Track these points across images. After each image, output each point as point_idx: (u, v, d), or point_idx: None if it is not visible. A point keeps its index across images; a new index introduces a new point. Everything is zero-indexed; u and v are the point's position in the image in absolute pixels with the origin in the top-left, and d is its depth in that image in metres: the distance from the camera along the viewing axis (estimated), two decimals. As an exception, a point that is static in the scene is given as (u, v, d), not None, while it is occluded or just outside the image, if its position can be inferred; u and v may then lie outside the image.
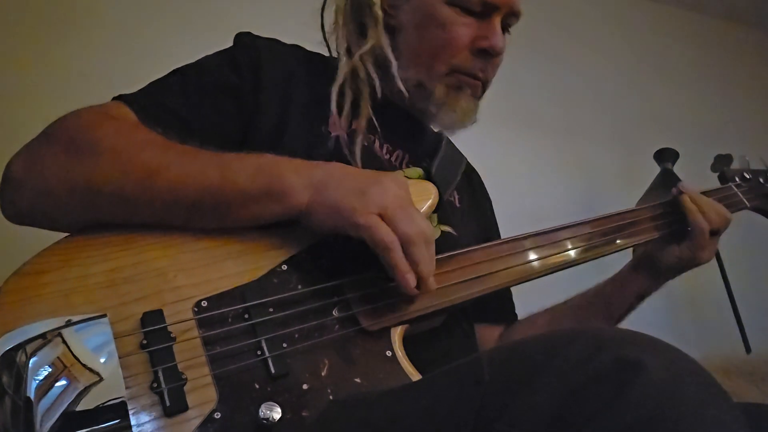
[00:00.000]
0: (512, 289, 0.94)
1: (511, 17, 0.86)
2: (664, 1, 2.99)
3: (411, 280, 0.61)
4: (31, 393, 0.48)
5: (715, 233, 0.92)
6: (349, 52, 0.84)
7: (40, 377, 0.49)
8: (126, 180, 0.61)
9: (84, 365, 0.51)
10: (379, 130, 0.83)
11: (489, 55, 0.83)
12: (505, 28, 0.86)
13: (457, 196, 0.92)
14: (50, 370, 0.50)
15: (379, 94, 0.83)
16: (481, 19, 0.82)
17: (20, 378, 0.48)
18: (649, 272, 0.94)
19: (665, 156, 2.20)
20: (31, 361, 0.50)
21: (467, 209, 0.94)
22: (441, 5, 0.82)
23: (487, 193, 1.06)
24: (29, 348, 0.51)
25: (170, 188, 0.62)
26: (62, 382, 0.50)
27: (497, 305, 0.98)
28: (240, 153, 0.65)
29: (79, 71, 1.54)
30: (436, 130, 0.95)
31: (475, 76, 0.84)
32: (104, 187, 0.61)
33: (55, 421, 0.48)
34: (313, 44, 0.90)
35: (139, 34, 1.67)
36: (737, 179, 1.09)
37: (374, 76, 0.83)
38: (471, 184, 1.01)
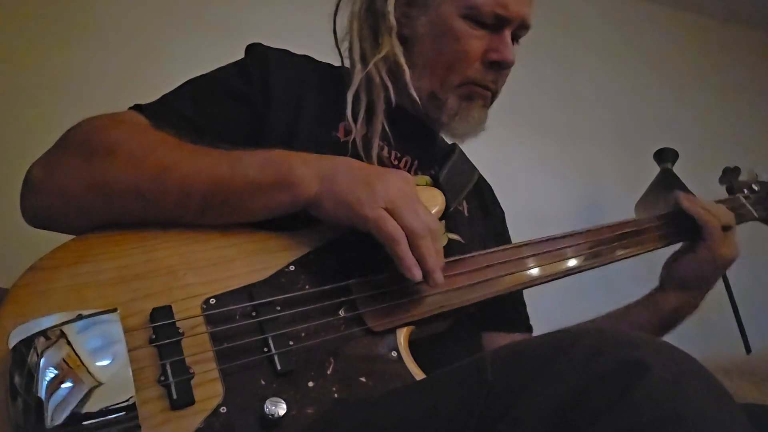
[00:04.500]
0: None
1: (521, 29, 0.86)
2: (664, 3, 2.96)
3: (417, 273, 0.61)
4: (42, 392, 0.48)
5: (726, 228, 0.90)
6: (364, 59, 0.84)
7: (48, 378, 0.49)
8: (140, 177, 0.62)
9: (87, 367, 0.50)
10: (390, 136, 0.83)
11: (500, 67, 0.84)
12: (514, 39, 0.86)
13: (466, 206, 0.91)
14: (56, 372, 0.49)
15: (393, 101, 0.83)
16: (492, 31, 0.83)
17: (32, 378, 0.48)
18: (677, 287, 0.92)
19: (665, 156, 2.17)
20: (41, 360, 0.49)
21: (476, 219, 0.93)
22: (455, 18, 0.82)
23: (500, 205, 1.05)
24: (40, 347, 0.50)
25: (182, 183, 0.62)
26: (68, 384, 0.49)
27: (511, 313, 0.97)
28: (250, 149, 0.65)
29: (82, 73, 1.53)
30: (449, 141, 0.94)
31: (487, 87, 0.85)
32: (119, 184, 0.62)
33: (64, 419, 0.47)
34: (318, 52, 0.90)
35: (143, 36, 1.66)
36: (745, 191, 1.08)
37: (388, 83, 0.83)
38: (482, 195, 1.00)
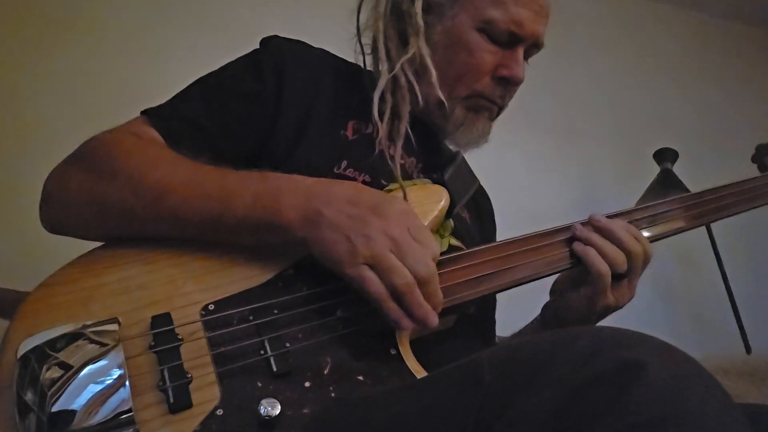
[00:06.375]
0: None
1: (533, 48, 0.85)
2: (664, 1, 2.94)
3: (407, 324, 0.58)
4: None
5: (621, 276, 0.74)
6: (390, 60, 0.82)
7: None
8: (136, 202, 0.63)
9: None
10: (412, 138, 0.81)
11: (509, 83, 0.83)
12: (525, 57, 0.85)
13: (468, 214, 0.90)
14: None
15: (420, 103, 0.81)
16: (505, 48, 0.82)
17: (44, 395, 0.48)
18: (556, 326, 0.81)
19: (665, 156, 2.16)
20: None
21: (476, 228, 0.92)
22: (470, 30, 0.81)
23: (494, 218, 1.04)
24: (47, 359, 0.51)
25: (175, 215, 0.62)
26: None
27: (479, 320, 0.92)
28: (245, 174, 0.64)
29: (84, 73, 1.53)
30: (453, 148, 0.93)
31: (494, 102, 0.84)
32: (116, 206, 0.63)
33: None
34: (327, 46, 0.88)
35: (145, 35, 1.66)
36: None
37: (415, 84, 0.81)
38: (479, 206, 0.99)
